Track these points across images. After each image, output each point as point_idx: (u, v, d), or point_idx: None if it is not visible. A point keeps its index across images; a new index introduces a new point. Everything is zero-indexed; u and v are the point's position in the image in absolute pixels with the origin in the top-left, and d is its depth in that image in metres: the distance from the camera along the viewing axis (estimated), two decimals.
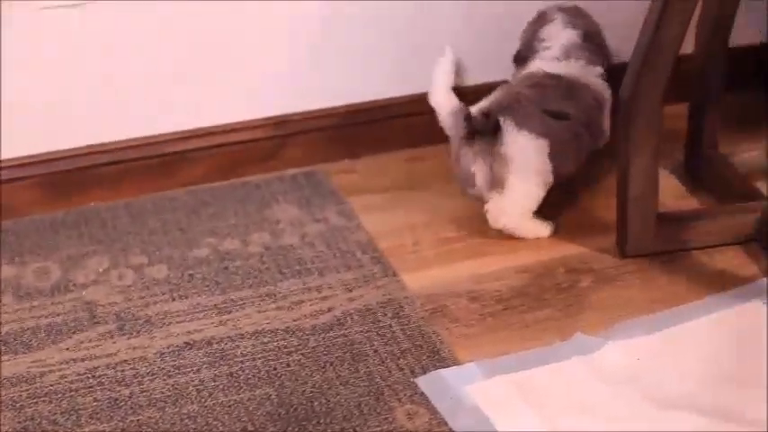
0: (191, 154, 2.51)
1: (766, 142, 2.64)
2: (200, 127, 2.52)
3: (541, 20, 2.49)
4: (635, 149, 2.19)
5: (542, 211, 2.37)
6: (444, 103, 2.31)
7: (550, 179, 2.34)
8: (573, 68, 2.42)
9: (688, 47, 2.37)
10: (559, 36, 2.45)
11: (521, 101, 2.32)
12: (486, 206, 2.34)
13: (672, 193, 2.48)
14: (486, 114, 2.27)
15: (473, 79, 2.64)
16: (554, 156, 2.32)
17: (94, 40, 2.38)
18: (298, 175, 2.54)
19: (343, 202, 2.45)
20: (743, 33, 2.69)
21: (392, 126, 2.62)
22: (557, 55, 2.44)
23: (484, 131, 2.26)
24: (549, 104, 2.33)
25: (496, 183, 2.30)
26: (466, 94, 2.38)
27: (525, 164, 2.29)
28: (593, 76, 2.44)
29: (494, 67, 2.59)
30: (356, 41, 2.54)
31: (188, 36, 2.43)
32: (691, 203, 2.47)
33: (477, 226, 2.38)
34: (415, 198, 2.49)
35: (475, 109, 2.30)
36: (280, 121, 2.55)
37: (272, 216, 2.41)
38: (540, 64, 2.44)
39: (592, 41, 2.47)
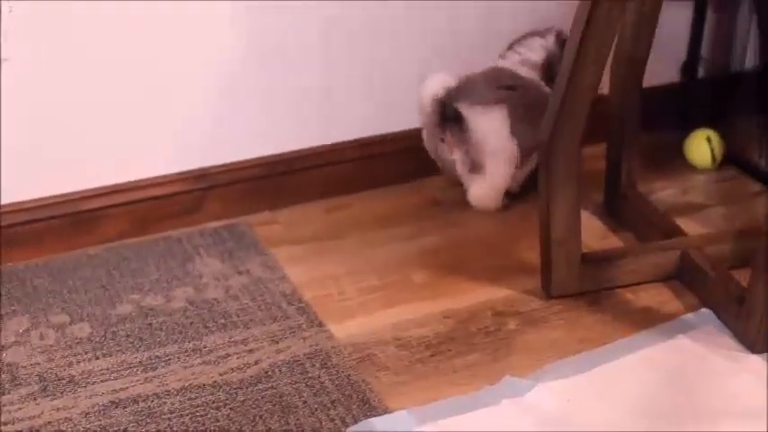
0: (109, 210, 2.48)
1: (682, 179, 2.68)
2: (117, 183, 2.48)
3: (536, 32, 2.64)
4: (555, 192, 2.21)
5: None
6: (427, 94, 2.47)
7: (516, 153, 2.50)
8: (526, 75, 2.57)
9: (603, 88, 2.40)
10: (533, 50, 2.60)
11: (472, 81, 2.49)
12: (471, 190, 2.53)
13: (594, 234, 2.50)
14: (443, 102, 2.43)
15: None
16: (515, 126, 2.48)
17: (11, 97, 2.35)
18: (219, 228, 2.52)
19: (265, 253, 2.44)
20: (657, 73, 2.72)
21: (311, 176, 2.62)
22: (518, 60, 2.59)
23: (451, 120, 2.44)
24: (500, 82, 2.51)
25: (475, 167, 2.48)
26: None
27: (496, 142, 2.46)
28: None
29: None
30: (274, 91, 2.53)
31: (103, 90, 2.40)
32: (613, 243, 2.49)
33: (397, 274, 2.38)
34: (337, 247, 2.48)
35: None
36: (199, 175, 2.53)
37: (195, 270, 2.38)
38: (502, 62, 2.60)
39: (550, 70, 2.58)
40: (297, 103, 2.57)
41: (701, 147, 2.76)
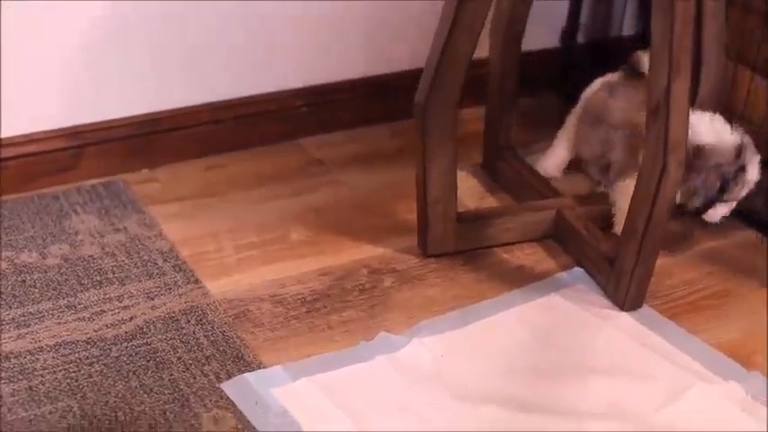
0: None
1: None
2: None
3: None
4: (432, 153, 2.22)
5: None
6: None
7: None
8: None
9: (483, 51, 2.42)
10: None
11: None
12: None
13: (471, 194, 2.52)
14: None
15: None
16: None
17: None
18: (97, 186, 2.50)
19: (143, 211, 2.42)
20: (536, 38, 2.76)
21: (190, 134, 2.60)
22: None
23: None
24: None
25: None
26: None
27: None
28: None
29: None
30: (152, 49, 2.51)
31: None
32: (490, 203, 2.52)
33: (276, 232, 2.38)
34: (216, 205, 2.47)
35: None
36: (76, 132, 2.49)
37: (71, 227, 2.35)
38: None
39: None
40: (174, 63, 2.55)
41: None
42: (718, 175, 2.24)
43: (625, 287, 2.17)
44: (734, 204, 2.31)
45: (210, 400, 1.92)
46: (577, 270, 2.29)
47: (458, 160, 2.26)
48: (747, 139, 2.27)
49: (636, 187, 2.10)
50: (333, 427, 1.88)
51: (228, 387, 1.95)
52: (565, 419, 1.91)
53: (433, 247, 2.31)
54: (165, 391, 1.94)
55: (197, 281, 2.21)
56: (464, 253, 2.32)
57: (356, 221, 2.42)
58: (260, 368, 1.99)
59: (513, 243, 2.36)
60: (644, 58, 2.36)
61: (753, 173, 2.27)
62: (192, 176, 2.57)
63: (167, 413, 1.89)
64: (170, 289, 2.18)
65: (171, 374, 1.98)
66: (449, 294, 2.21)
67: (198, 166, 2.60)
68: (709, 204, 2.27)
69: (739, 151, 2.25)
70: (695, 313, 2.20)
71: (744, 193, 2.29)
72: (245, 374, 1.97)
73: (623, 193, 2.27)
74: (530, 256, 2.34)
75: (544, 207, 2.40)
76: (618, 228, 2.28)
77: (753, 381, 2.02)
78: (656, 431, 1.90)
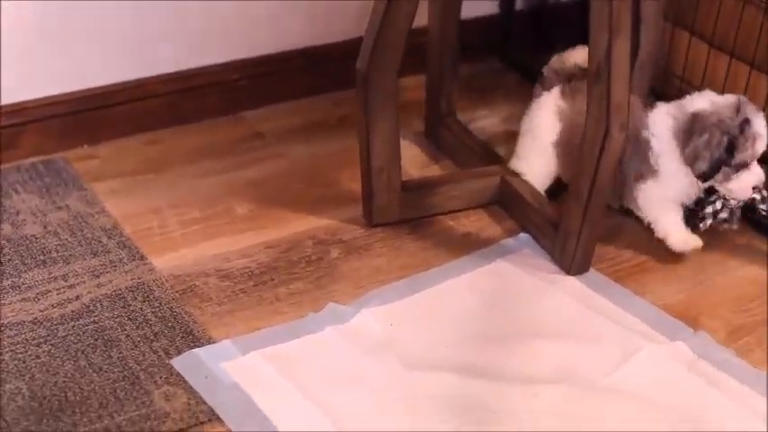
0: None
1: (501, 108, 2.72)
2: None
3: None
4: (374, 122, 2.22)
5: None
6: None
7: None
8: None
9: (423, 20, 2.42)
10: None
11: None
12: None
13: (415, 162, 2.52)
14: None
15: None
16: None
17: None
18: (37, 164, 2.47)
19: (84, 188, 2.39)
20: (475, 5, 2.75)
21: (129, 110, 2.57)
22: None
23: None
24: None
25: None
26: None
27: None
28: None
29: None
30: (89, 24, 2.48)
31: None
32: (434, 171, 2.52)
33: (220, 206, 2.37)
34: (158, 181, 2.45)
35: None
36: (14, 110, 2.46)
37: (12, 207, 2.33)
38: None
39: None
40: (113, 38, 2.52)
41: None
42: (722, 132, 2.12)
43: (571, 251, 2.18)
44: (759, 171, 2.18)
45: (161, 377, 1.91)
46: (523, 235, 2.30)
47: (400, 129, 2.25)
48: (744, 98, 2.17)
49: (580, 151, 2.10)
50: (283, 400, 1.88)
51: (178, 363, 1.94)
52: (515, 384, 1.92)
53: (378, 217, 2.31)
54: (115, 370, 1.92)
55: (142, 257, 2.20)
56: (409, 222, 2.32)
57: (300, 193, 2.41)
58: (209, 343, 1.98)
59: (458, 210, 2.36)
60: (566, 56, 2.35)
61: (760, 125, 2.14)
62: (132, 152, 2.54)
63: (117, 391, 1.88)
64: (115, 266, 2.17)
65: (120, 352, 1.96)
66: (396, 264, 2.21)
67: (139, 142, 2.58)
68: (717, 167, 2.14)
69: (738, 106, 2.14)
70: (641, 276, 2.22)
71: (760, 148, 2.15)
72: (194, 350, 1.96)
73: (647, 198, 2.24)
74: (475, 222, 2.34)
75: (488, 173, 2.40)
76: (661, 236, 2.26)
77: (699, 340, 2.04)
78: (605, 393, 1.92)
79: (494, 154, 2.50)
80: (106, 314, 2.05)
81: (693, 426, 1.86)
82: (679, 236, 2.25)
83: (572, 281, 2.18)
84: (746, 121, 2.13)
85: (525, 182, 2.34)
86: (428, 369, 1.95)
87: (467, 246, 2.27)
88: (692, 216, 2.25)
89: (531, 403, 1.89)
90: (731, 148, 2.13)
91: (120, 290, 2.11)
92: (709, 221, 2.23)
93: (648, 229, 2.27)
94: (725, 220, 2.23)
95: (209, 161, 2.52)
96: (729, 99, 2.16)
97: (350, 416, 1.85)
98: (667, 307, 2.13)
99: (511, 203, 2.36)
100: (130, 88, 2.57)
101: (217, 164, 2.51)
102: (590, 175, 2.08)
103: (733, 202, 2.21)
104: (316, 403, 1.87)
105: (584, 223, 2.14)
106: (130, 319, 2.04)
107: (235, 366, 1.94)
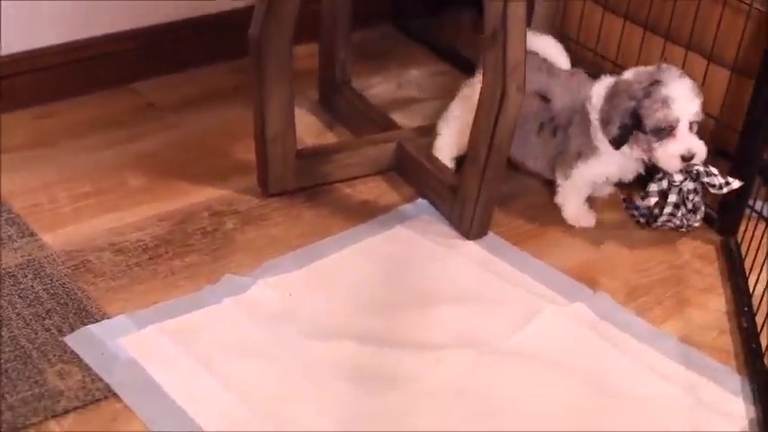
0: None
1: (395, 74, 2.70)
2: None
3: None
4: (268, 90, 2.18)
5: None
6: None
7: None
8: None
9: None
10: None
11: None
12: None
13: (310, 130, 2.50)
14: None
15: None
16: None
17: None
18: None
19: None
20: None
21: (16, 83, 2.51)
22: None
23: None
24: None
25: None
26: None
27: None
28: None
29: None
30: None
31: None
32: (329, 138, 2.49)
33: (112, 180, 2.32)
34: (47, 155, 2.39)
35: None
36: None
37: None
38: None
39: None
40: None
41: None
42: (630, 96, 2.10)
43: (470, 215, 2.17)
44: (691, 142, 2.10)
45: (54, 355, 1.87)
46: (421, 201, 2.29)
47: (295, 97, 2.22)
48: (666, 66, 2.14)
49: (476, 113, 2.09)
50: (181, 374, 1.84)
51: (72, 340, 1.89)
52: (417, 351, 1.91)
53: (273, 186, 2.27)
54: (6, 349, 1.87)
55: (32, 234, 2.14)
56: (306, 190, 2.30)
57: (194, 164, 2.37)
58: (104, 319, 1.94)
59: (355, 178, 2.34)
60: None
61: (674, 89, 2.09)
62: (20, 126, 2.48)
63: (10, 371, 1.83)
64: (4, 244, 2.11)
65: (11, 331, 1.91)
66: (293, 233, 2.18)
67: (27, 116, 2.51)
68: (627, 132, 2.11)
69: (654, 73, 2.12)
70: (540, 239, 2.22)
71: (677, 113, 2.08)
72: (88, 326, 1.92)
73: (582, 176, 2.23)
74: (372, 189, 2.33)
75: (384, 140, 2.38)
76: (559, 202, 2.29)
77: (599, 301, 2.05)
78: (508, 356, 1.91)
79: (389, 120, 2.48)
80: None
81: (597, 385, 1.87)
82: (574, 209, 2.27)
83: (471, 245, 2.17)
84: (654, 84, 2.10)
85: (421, 147, 2.32)
86: (328, 338, 1.93)
87: (365, 213, 2.25)
88: (649, 214, 2.26)
89: (433, 369, 1.88)
90: (637, 111, 2.11)
91: (9, 267, 2.05)
92: (663, 219, 2.22)
93: (550, 192, 2.28)
94: (679, 211, 2.21)
95: (101, 134, 2.46)
96: (651, 68, 2.15)
97: (250, 387, 1.83)
98: (566, 269, 2.13)
99: (408, 169, 2.35)
100: (18, 60, 2.50)
101: (109, 136, 2.46)
102: (487, 138, 2.07)
103: (678, 179, 2.16)
104: (215, 375, 1.84)
105: (482, 187, 2.13)
106: (21, 297, 1.98)
107: (131, 341, 1.90)
